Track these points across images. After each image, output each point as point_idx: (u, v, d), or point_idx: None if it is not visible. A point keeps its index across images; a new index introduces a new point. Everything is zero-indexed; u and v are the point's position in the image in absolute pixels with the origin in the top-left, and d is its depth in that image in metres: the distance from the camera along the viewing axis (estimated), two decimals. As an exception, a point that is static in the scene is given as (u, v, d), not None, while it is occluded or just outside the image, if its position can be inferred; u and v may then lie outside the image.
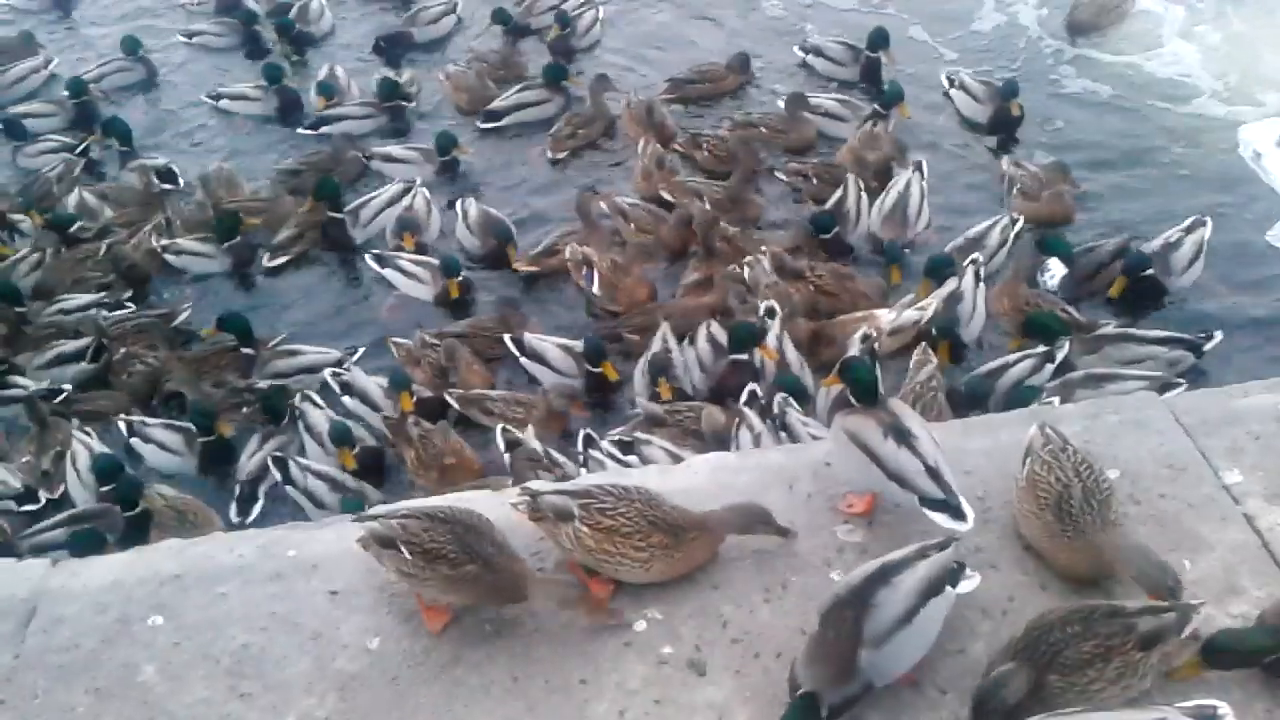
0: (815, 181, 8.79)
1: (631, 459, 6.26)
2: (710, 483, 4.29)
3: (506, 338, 7.59)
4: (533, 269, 8.39)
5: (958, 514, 3.76)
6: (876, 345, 6.73)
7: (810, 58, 10.45)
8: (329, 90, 10.45)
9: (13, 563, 4.41)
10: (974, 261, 7.40)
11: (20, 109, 10.78)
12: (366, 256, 8.51)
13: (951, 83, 9.78)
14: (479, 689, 3.67)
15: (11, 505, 6.94)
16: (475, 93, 10.32)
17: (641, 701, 3.56)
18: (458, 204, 8.90)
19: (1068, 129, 9.47)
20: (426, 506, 3.94)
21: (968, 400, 6.49)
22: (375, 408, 7.24)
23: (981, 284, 7.43)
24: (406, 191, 8.95)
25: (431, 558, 3.74)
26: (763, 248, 7.80)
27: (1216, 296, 7.60)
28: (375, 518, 3.92)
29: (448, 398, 7.23)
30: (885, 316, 7.11)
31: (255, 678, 3.78)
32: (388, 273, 8.38)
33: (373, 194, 9.15)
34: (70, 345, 7.87)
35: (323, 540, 4.29)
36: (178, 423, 7.36)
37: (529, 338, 7.57)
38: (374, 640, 3.86)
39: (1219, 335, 6.98)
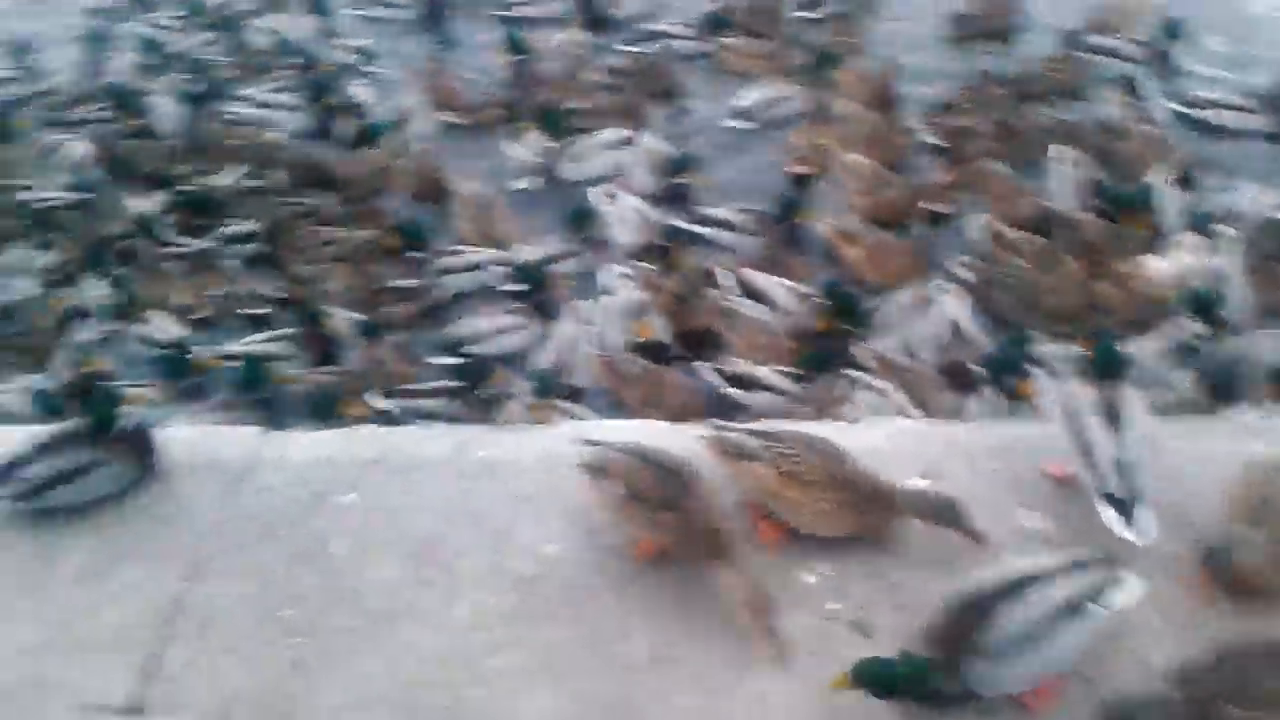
0: None
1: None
2: (888, 446, 4.30)
3: (732, 273, 7.06)
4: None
5: (1131, 520, 3.64)
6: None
7: None
8: None
9: (228, 429, 4.74)
10: None
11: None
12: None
13: None
14: (645, 606, 3.80)
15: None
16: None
17: (803, 652, 3.63)
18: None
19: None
20: (644, 446, 3.95)
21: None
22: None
23: None
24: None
25: (628, 493, 3.81)
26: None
27: None
28: (598, 444, 4.01)
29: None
30: (1159, 266, 6.64)
31: (436, 566, 3.99)
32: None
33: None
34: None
35: (511, 445, 4.49)
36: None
37: (749, 273, 7.05)
38: (551, 547, 4.03)
39: None
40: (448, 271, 7.43)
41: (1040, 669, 3.31)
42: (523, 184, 8.57)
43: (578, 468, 4.01)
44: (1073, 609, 3.29)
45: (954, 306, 6.48)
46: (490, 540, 4.07)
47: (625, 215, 7.72)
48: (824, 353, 6.27)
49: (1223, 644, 3.29)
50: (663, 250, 7.39)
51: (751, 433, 4.05)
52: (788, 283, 6.96)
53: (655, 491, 3.77)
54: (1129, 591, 3.37)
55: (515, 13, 11.00)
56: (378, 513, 4.19)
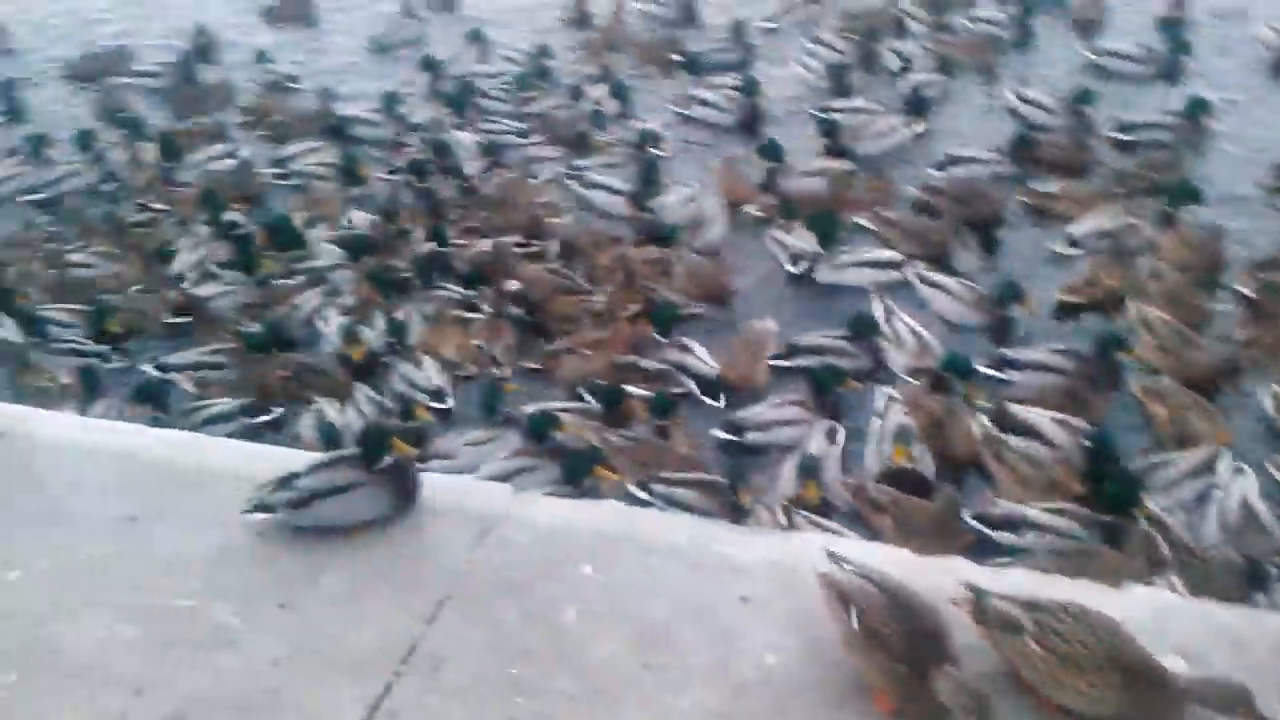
0: None
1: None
2: (1151, 621, 4.07)
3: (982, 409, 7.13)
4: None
5: None
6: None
7: None
8: None
9: (480, 482, 4.98)
10: None
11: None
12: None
13: None
14: (855, 729, 3.75)
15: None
16: None
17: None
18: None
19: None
20: (896, 580, 3.81)
21: None
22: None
23: None
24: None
25: (874, 639, 3.66)
26: None
27: None
28: (842, 560, 3.93)
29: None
30: None
31: (659, 650, 4.04)
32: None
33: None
34: None
35: (750, 546, 4.53)
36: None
37: (1017, 408, 7.08)
38: (771, 657, 4.03)
39: None
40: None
41: None
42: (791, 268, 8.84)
43: (818, 578, 3.98)
44: None
45: (1246, 485, 6.14)
46: (716, 637, 4.10)
47: (903, 335, 7.76)
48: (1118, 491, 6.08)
49: None
50: (938, 378, 7.36)
51: (1013, 599, 3.81)
52: (1058, 416, 6.82)
53: (898, 641, 3.61)
54: None
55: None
56: (611, 588, 4.30)
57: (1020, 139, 10.47)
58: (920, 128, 11.25)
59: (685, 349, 8.02)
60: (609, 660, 4.01)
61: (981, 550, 6.21)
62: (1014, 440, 6.62)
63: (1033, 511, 6.16)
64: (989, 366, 7.64)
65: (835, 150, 10.65)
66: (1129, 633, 3.66)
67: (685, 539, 4.55)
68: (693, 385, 7.67)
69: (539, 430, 6.70)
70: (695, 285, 8.66)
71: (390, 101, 12.49)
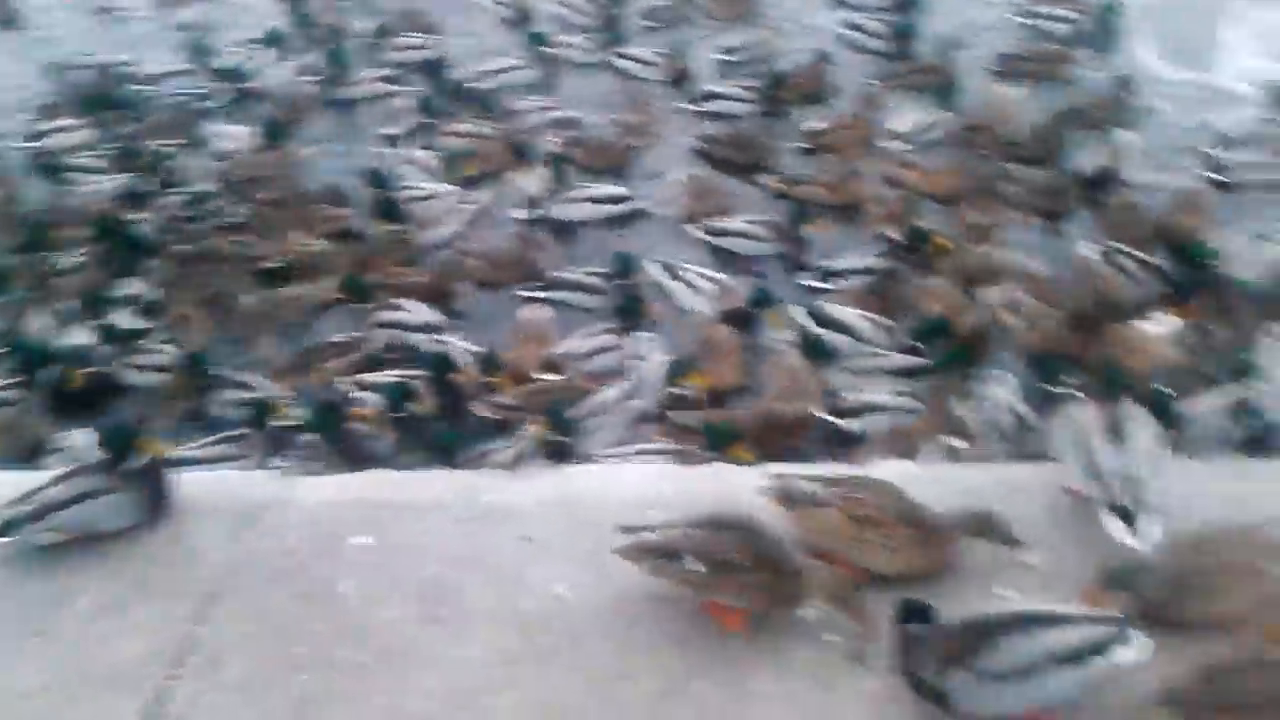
0: None
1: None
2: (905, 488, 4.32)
3: (801, 313, 7.49)
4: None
5: (1136, 529, 3.78)
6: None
7: None
8: None
9: (241, 473, 4.81)
10: None
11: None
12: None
13: None
14: (650, 646, 3.82)
15: None
16: None
17: (802, 681, 3.65)
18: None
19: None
20: (703, 515, 3.88)
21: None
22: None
23: None
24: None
25: (723, 568, 3.72)
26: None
27: None
28: (645, 529, 3.92)
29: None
30: (1151, 331, 6.88)
31: (446, 606, 4.02)
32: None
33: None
34: None
35: (518, 490, 4.54)
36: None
37: (828, 306, 7.49)
38: (560, 587, 4.05)
39: None
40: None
41: (1022, 702, 3.35)
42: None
43: (621, 554, 3.90)
44: (1074, 657, 3.30)
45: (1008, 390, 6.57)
46: (497, 582, 4.10)
47: (697, 282, 7.90)
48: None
49: (1209, 663, 3.34)
50: (742, 314, 7.57)
51: (815, 479, 4.08)
52: (868, 314, 7.39)
53: (745, 554, 3.72)
54: (1135, 650, 3.33)
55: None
56: (387, 554, 4.24)
57: (774, 76, 10.65)
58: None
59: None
60: (392, 624, 3.95)
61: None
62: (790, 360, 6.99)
63: (876, 395, 6.64)
64: (814, 280, 7.96)
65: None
66: (908, 492, 4.00)
67: (456, 493, 4.52)
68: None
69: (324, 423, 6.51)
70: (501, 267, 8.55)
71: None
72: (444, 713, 3.63)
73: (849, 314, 7.37)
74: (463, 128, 10.20)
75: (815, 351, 7.12)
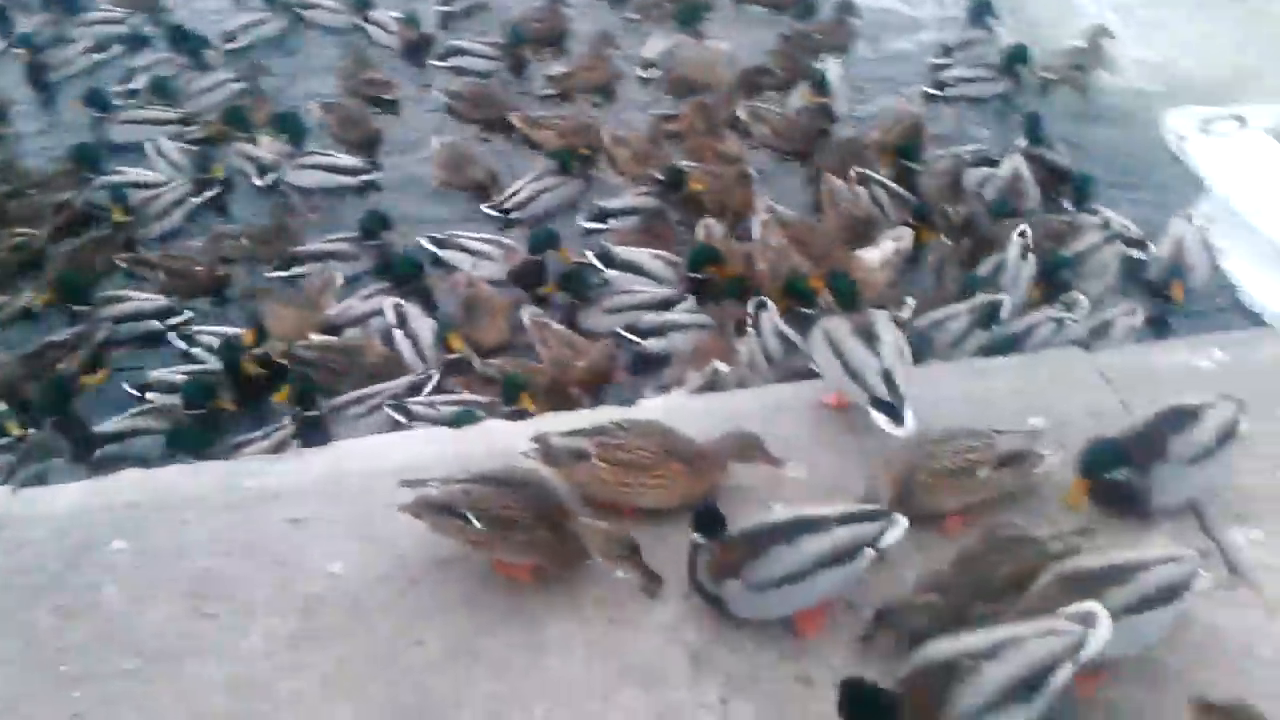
0: None
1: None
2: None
3: (590, 254, 7.45)
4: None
5: (897, 417, 4.10)
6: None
7: None
8: None
9: (-27, 490, 4.48)
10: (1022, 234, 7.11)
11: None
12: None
13: None
14: (435, 609, 3.81)
15: None
16: None
17: (596, 622, 3.74)
18: None
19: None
20: (487, 471, 3.88)
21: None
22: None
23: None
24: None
25: (503, 525, 3.73)
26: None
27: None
28: (427, 483, 3.90)
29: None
30: (867, 257, 7.21)
31: (217, 599, 3.89)
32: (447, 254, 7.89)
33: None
34: None
35: (282, 471, 4.43)
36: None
37: (618, 248, 7.50)
38: (336, 565, 3.99)
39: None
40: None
41: (790, 607, 3.61)
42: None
43: (405, 511, 3.88)
44: (837, 558, 3.55)
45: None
46: (272, 567, 4.00)
47: (485, 249, 7.76)
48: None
49: (960, 553, 3.63)
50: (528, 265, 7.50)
51: (575, 433, 4.12)
52: (655, 251, 7.45)
53: (526, 511, 3.73)
54: (892, 534, 3.62)
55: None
56: (148, 555, 4.05)
57: (513, 28, 10.50)
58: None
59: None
60: (164, 623, 3.80)
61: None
62: (556, 325, 6.95)
63: (676, 315, 6.88)
64: (590, 220, 8.03)
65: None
66: (669, 425, 4.12)
67: (217, 484, 4.36)
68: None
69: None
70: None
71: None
72: (230, 704, 3.53)
73: (639, 253, 7.50)
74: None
75: (580, 289, 7.23)
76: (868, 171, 8.06)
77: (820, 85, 9.25)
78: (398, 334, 6.95)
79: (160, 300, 7.33)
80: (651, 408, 4.65)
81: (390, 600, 3.86)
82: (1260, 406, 4.41)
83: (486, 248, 7.76)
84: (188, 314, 7.30)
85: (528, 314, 6.92)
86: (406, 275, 7.39)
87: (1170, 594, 3.38)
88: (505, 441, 4.42)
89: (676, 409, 4.51)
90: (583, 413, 4.79)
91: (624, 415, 4.33)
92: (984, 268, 6.91)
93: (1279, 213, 7.60)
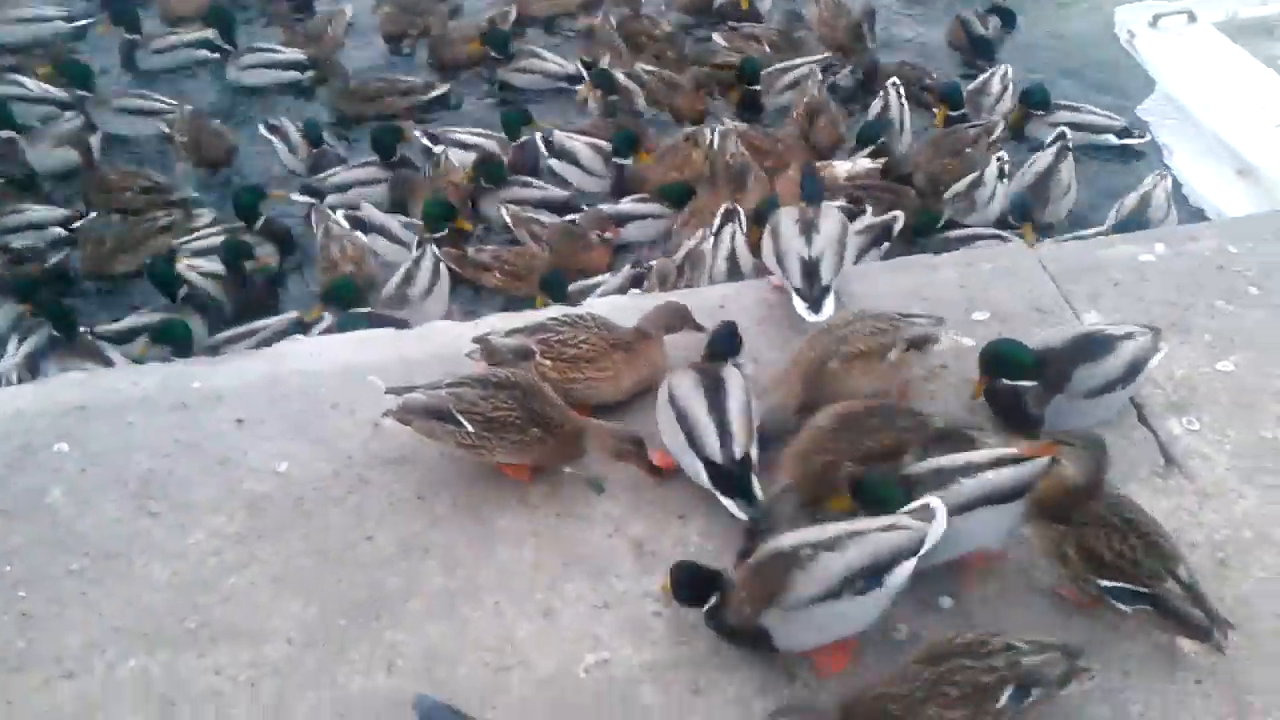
0: None
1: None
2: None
3: (537, 136, 7.51)
4: None
5: (814, 306, 4.23)
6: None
7: None
8: None
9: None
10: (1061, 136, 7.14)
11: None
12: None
13: None
14: (385, 507, 3.83)
15: None
16: None
17: (544, 516, 3.77)
18: None
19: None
20: (475, 375, 3.83)
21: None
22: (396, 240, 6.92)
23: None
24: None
25: (496, 426, 3.69)
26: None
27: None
28: (415, 389, 3.83)
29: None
30: (841, 166, 7.24)
31: (163, 499, 3.88)
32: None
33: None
34: None
35: (226, 373, 4.39)
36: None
37: (558, 134, 7.53)
38: (282, 464, 3.98)
39: (1145, 138, 7.63)
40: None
41: (832, 637, 3.25)
42: None
43: (390, 417, 3.85)
44: (873, 576, 3.14)
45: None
46: (218, 467, 3.99)
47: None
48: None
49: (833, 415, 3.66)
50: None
51: (516, 331, 4.11)
52: (591, 140, 7.47)
53: (517, 411, 3.69)
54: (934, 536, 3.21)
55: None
56: (93, 457, 4.03)
57: None
58: None
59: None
60: (111, 524, 3.79)
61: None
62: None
63: (644, 205, 6.95)
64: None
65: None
66: (605, 317, 4.15)
67: (162, 385, 4.32)
68: None
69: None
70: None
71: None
72: (177, 601, 3.54)
73: (577, 143, 7.51)
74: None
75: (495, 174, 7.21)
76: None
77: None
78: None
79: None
80: (597, 307, 4.64)
81: (339, 498, 3.87)
82: (1200, 298, 4.49)
83: (480, 140, 7.71)
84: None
85: (507, 211, 6.89)
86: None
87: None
88: (448, 342, 4.41)
89: (621, 309, 4.49)
90: (523, 313, 4.75)
91: (562, 311, 4.32)
92: (960, 184, 6.89)
93: (1224, 109, 7.61)
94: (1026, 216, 6.57)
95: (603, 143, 7.44)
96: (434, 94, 8.46)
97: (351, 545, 3.71)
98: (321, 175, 7.41)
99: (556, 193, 7.17)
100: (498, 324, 4.41)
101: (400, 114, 8.22)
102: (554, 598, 3.52)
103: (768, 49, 8.68)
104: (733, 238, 6.01)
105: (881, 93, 7.89)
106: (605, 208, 6.95)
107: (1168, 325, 4.27)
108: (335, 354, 4.51)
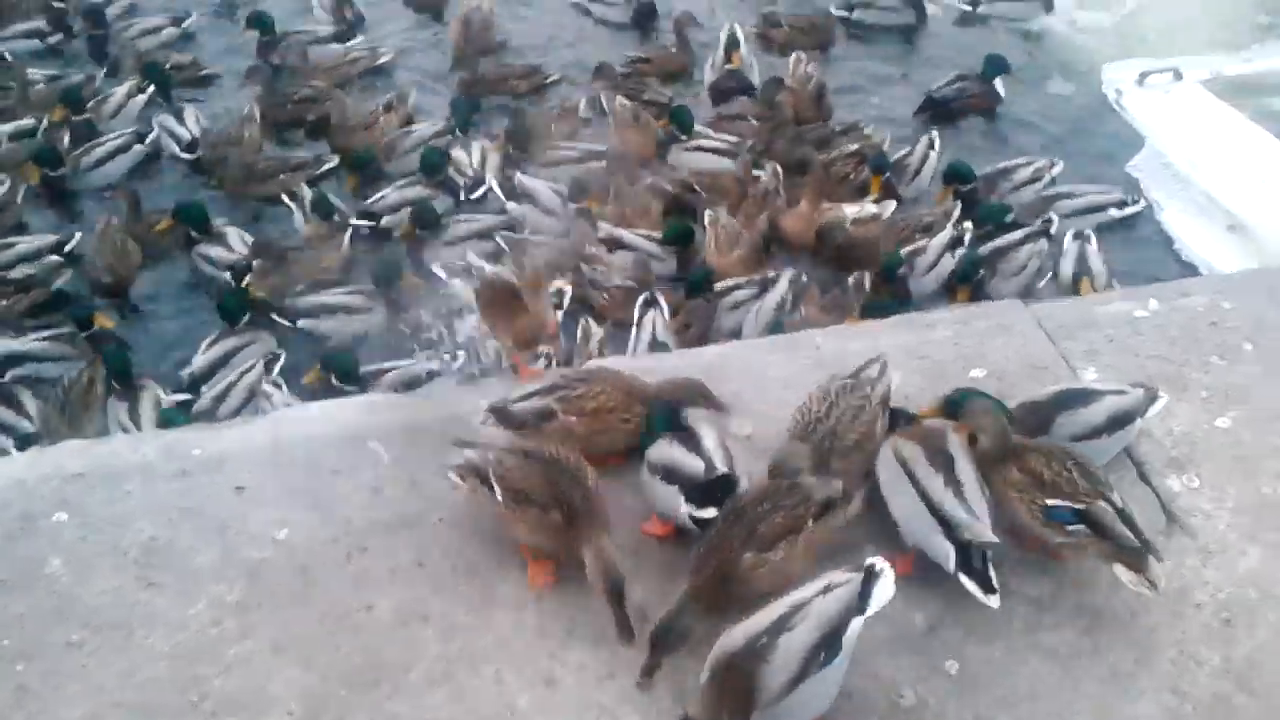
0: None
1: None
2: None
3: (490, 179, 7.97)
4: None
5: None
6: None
7: None
8: None
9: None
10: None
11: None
12: None
13: None
14: (385, 574, 3.80)
15: None
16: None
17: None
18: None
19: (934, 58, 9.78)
20: (525, 443, 3.84)
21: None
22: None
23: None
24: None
25: (520, 499, 3.63)
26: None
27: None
28: (475, 445, 3.83)
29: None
30: (850, 210, 7.38)
31: (164, 568, 3.85)
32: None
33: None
34: None
35: (228, 438, 4.38)
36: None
37: (520, 177, 7.90)
38: (282, 531, 3.96)
39: (1141, 203, 7.70)
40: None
41: (810, 715, 3.20)
42: None
43: (454, 473, 3.84)
44: (833, 643, 3.05)
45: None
46: (218, 535, 3.96)
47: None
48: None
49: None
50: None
51: (532, 395, 4.07)
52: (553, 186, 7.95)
53: (542, 489, 3.60)
54: (882, 594, 3.09)
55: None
56: (92, 526, 4.01)
57: None
58: None
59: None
60: (110, 594, 3.76)
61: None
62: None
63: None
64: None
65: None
66: (623, 370, 4.17)
67: (158, 452, 4.32)
68: None
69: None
70: None
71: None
72: (178, 673, 3.50)
73: (536, 183, 7.86)
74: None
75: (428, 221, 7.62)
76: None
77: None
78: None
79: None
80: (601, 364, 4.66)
81: (338, 565, 3.85)
82: (1195, 354, 4.52)
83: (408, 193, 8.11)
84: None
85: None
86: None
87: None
88: (456, 408, 4.41)
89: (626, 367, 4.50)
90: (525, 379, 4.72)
91: (565, 372, 4.34)
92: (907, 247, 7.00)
93: (1213, 166, 7.71)
94: (966, 280, 6.64)
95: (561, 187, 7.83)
96: (326, 167, 8.79)
97: (351, 613, 3.69)
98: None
99: (490, 219, 7.36)
100: (502, 390, 4.40)
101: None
102: (556, 665, 3.50)
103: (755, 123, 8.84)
104: (654, 325, 6.09)
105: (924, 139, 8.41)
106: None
107: (1164, 381, 4.29)
108: (338, 418, 4.51)
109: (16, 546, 3.94)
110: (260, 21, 10.33)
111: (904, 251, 6.99)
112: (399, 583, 3.77)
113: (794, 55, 9.35)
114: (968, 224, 7.19)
